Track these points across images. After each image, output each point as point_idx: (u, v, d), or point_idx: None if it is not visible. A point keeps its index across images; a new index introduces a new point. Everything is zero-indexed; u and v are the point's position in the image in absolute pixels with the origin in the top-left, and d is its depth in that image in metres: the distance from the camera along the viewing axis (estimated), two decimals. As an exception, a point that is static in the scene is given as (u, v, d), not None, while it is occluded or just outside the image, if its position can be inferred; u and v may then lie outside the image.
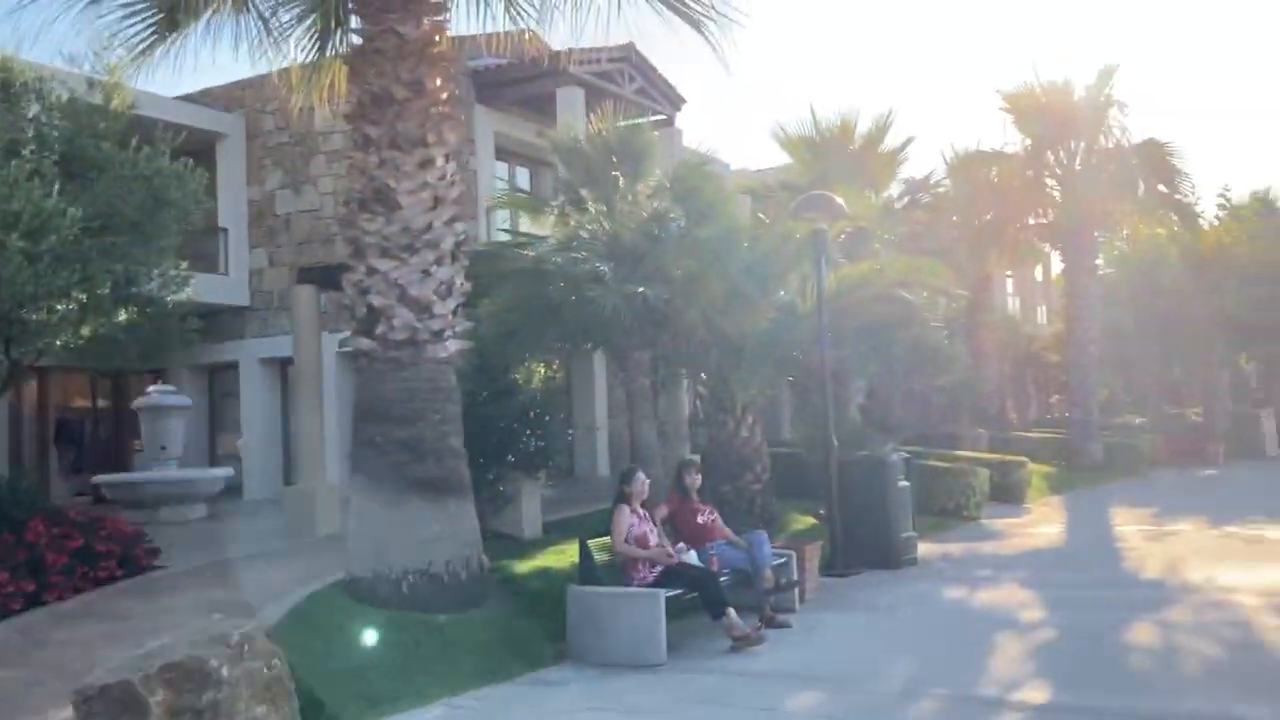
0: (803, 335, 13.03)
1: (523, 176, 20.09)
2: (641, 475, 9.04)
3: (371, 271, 8.55)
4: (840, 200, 12.35)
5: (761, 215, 18.28)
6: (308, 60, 10.52)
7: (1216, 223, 30.59)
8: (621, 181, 11.59)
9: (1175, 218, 26.10)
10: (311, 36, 10.34)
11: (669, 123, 20.46)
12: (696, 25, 9.72)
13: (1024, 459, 19.13)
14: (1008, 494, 18.26)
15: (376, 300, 8.52)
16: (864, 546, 11.83)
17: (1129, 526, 15.17)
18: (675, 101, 20.77)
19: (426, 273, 8.58)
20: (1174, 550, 12.63)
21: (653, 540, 8.69)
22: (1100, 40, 66.48)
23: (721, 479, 13.11)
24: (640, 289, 10.71)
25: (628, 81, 19.78)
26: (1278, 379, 34.61)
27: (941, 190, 24.73)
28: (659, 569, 8.51)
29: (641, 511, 8.79)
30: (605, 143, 11.64)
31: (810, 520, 13.57)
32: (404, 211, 8.54)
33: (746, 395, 13.22)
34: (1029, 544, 13.90)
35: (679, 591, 8.35)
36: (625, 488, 8.84)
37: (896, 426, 17.51)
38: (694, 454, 13.59)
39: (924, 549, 12.83)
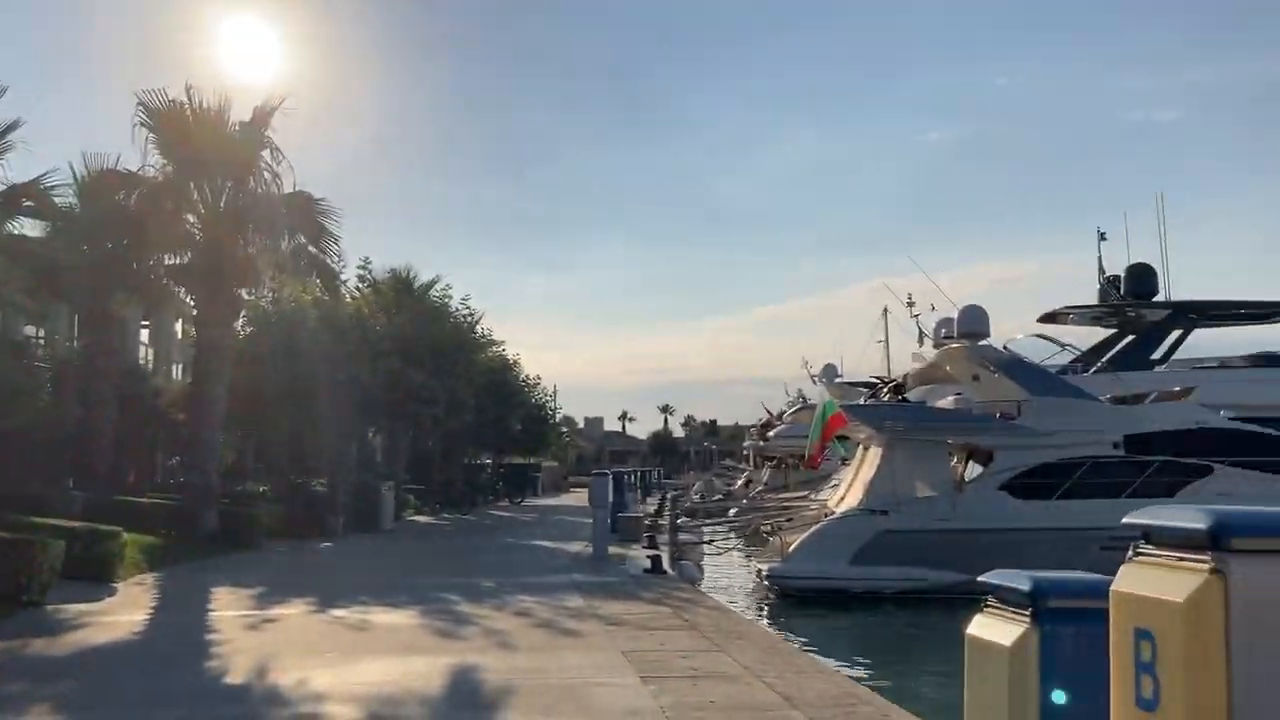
0: None
1: None
2: None
3: None
4: None
5: None
6: None
7: (358, 293, 31.01)
8: None
9: (319, 280, 25.39)
10: None
11: None
12: None
13: (119, 529, 15.95)
14: (95, 570, 15.01)
15: None
16: None
17: (230, 611, 13.01)
18: None
19: None
20: (273, 642, 10.76)
21: None
22: (276, 78, 65.23)
23: None
24: None
25: None
26: (400, 453, 36.14)
27: (61, 203, 20.67)
28: None
29: None
30: None
31: None
32: None
33: None
34: (99, 638, 10.94)
35: None
36: None
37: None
38: None
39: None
